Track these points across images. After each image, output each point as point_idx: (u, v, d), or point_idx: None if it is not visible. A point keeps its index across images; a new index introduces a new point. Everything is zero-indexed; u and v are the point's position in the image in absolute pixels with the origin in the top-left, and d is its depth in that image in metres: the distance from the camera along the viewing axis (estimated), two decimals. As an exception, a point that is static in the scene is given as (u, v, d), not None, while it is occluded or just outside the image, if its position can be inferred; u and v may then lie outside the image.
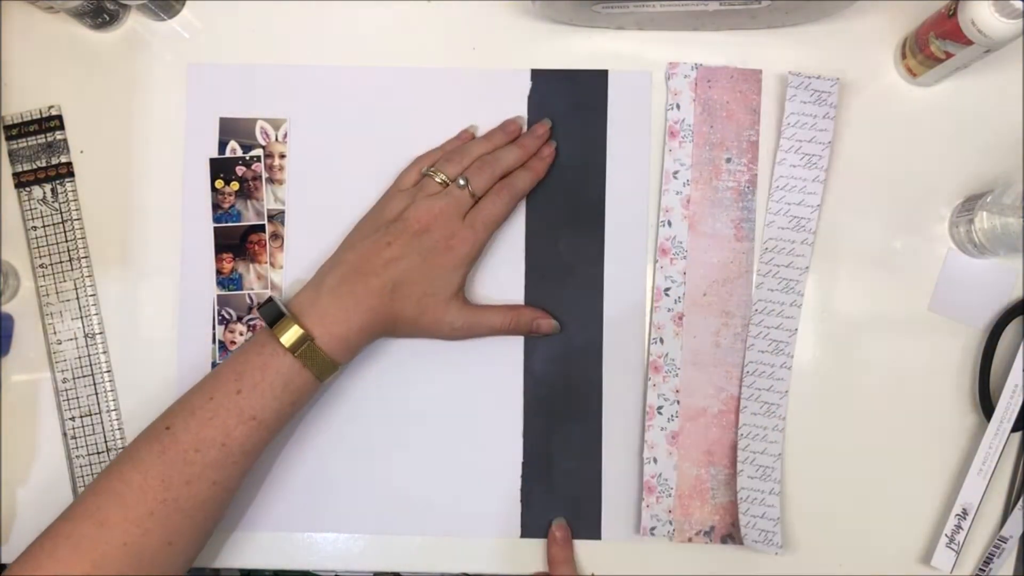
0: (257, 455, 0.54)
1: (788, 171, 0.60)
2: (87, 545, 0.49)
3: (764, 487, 0.58)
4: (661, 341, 0.60)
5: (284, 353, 0.53)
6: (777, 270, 0.60)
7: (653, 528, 0.59)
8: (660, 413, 0.59)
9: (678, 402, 0.59)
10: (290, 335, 0.53)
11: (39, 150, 0.62)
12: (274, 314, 0.54)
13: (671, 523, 0.59)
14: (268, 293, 0.61)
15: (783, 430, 0.59)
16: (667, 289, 0.60)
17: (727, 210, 0.60)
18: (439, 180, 0.57)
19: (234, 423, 0.52)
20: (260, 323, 0.58)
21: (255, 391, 0.53)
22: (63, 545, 0.49)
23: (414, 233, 0.56)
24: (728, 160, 0.60)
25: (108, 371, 0.61)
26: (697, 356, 0.60)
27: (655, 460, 0.59)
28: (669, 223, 0.60)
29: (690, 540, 0.59)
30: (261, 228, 0.62)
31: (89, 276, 0.61)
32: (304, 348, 0.53)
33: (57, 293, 0.61)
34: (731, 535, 0.59)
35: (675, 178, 0.61)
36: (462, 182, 0.57)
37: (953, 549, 0.58)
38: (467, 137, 0.61)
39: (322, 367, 0.54)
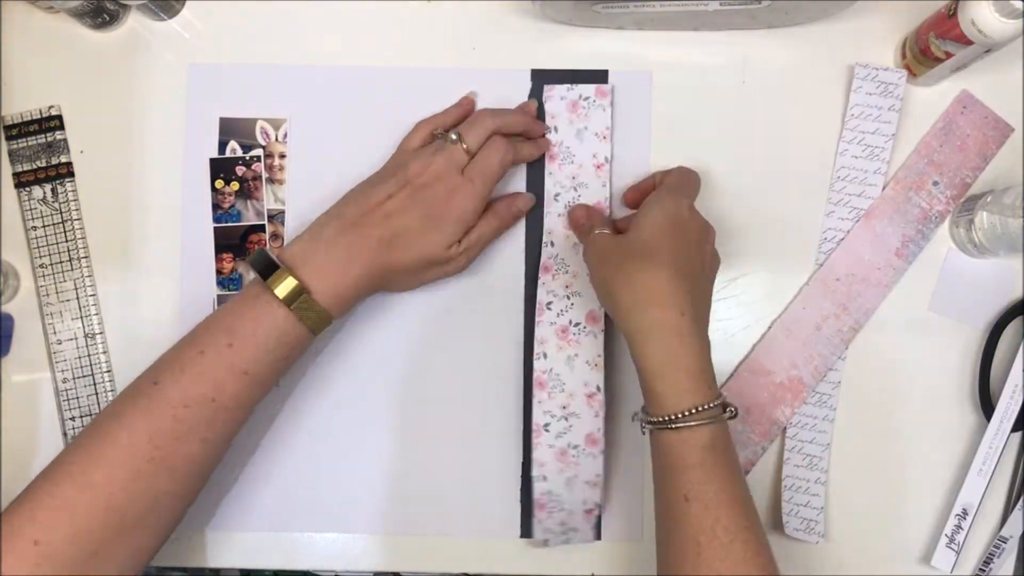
0: (248, 410, 0.53)
1: (850, 162, 0.60)
2: (71, 507, 0.47)
3: (810, 476, 0.58)
4: (545, 356, 0.58)
5: (279, 305, 0.51)
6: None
7: (547, 540, 0.58)
8: (547, 430, 0.57)
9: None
10: (284, 287, 0.51)
11: (39, 150, 0.62)
12: (265, 263, 0.52)
13: (564, 532, 0.58)
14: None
15: (833, 420, 0.59)
16: (548, 303, 0.59)
17: (906, 224, 0.60)
18: (451, 140, 0.57)
19: (225, 377, 0.51)
20: (249, 274, 0.55)
21: (247, 344, 0.51)
22: (45, 507, 0.47)
23: (416, 188, 0.55)
24: (935, 184, 0.60)
25: (108, 371, 0.61)
26: (795, 329, 0.60)
27: (544, 478, 0.57)
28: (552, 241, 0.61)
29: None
30: (261, 228, 0.62)
31: (89, 276, 0.61)
32: (299, 301, 0.51)
33: (57, 293, 0.61)
34: None
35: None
36: (454, 136, 0.57)
37: (953, 549, 0.58)
38: (467, 102, 0.61)
39: (316, 320, 0.52)
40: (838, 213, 0.60)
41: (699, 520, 0.47)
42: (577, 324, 0.58)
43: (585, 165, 0.60)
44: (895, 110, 0.60)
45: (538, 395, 0.58)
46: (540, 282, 0.59)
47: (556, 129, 0.61)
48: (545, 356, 0.58)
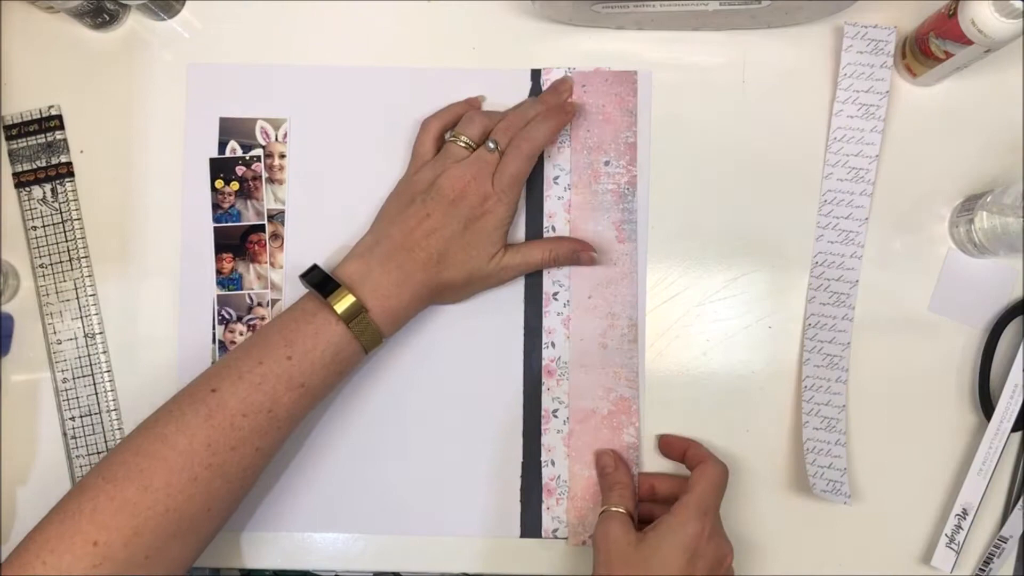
0: (299, 422, 0.54)
1: (845, 122, 0.60)
2: (131, 509, 0.48)
3: (830, 438, 0.58)
4: (553, 345, 0.60)
5: (337, 322, 0.53)
6: (837, 222, 0.60)
7: (555, 530, 0.59)
8: (556, 416, 0.60)
9: (568, 405, 0.60)
10: (343, 303, 0.53)
11: (39, 150, 0.62)
12: (322, 279, 0.54)
13: (572, 524, 0.59)
14: (268, 294, 0.61)
15: (846, 381, 0.60)
16: (555, 294, 0.60)
17: (608, 212, 0.61)
18: (462, 144, 0.57)
19: (283, 390, 0.52)
20: (304, 292, 0.56)
21: (306, 359, 0.52)
22: (105, 507, 0.48)
23: (450, 202, 0.55)
24: (607, 163, 0.61)
25: (108, 371, 0.61)
26: (584, 358, 0.60)
27: (552, 463, 0.59)
28: (553, 228, 0.61)
29: (584, 543, 0.59)
30: (261, 228, 0.62)
31: (89, 276, 0.61)
32: (358, 319, 0.53)
33: (57, 293, 0.61)
34: None
35: (555, 183, 0.61)
36: (492, 145, 0.57)
37: (953, 549, 0.58)
38: (476, 103, 0.61)
39: (371, 339, 0.54)
40: (836, 175, 0.60)
41: None
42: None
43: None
44: (887, 67, 0.60)
45: (546, 383, 0.59)
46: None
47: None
48: (553, 345, 0.60)
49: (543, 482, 0.60)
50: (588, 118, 0.61)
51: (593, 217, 0.61)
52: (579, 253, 0.59)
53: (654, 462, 0.60)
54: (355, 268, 0.55)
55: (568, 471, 0.59)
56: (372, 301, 0.54)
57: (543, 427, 0.60)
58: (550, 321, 0.60)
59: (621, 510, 0.55)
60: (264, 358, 0.52)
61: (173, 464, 0.49)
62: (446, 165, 0.57)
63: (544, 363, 0.60)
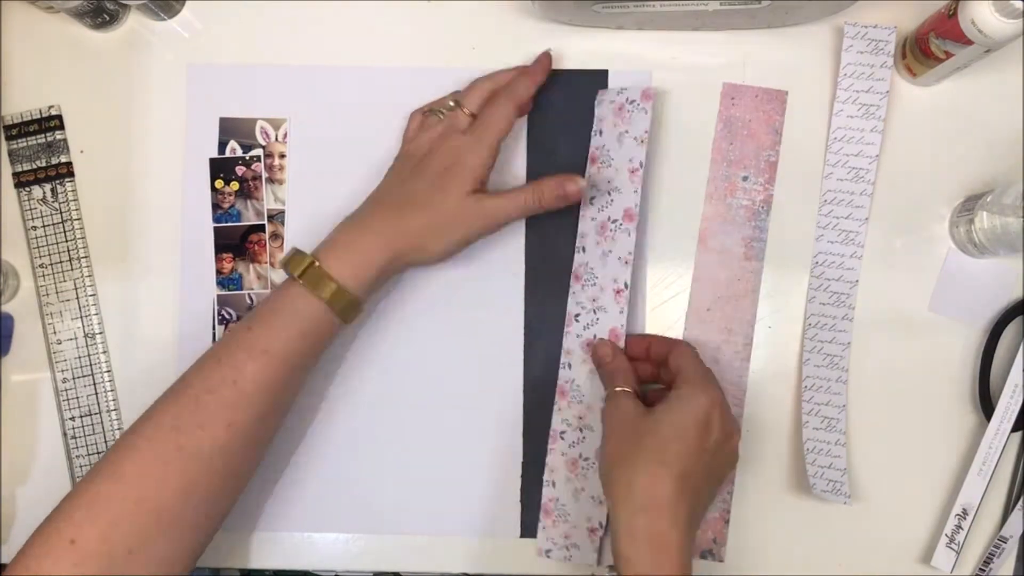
0: (274, 394, 0.52)
1: (845, 122, 0.60)
2: (103, 502, 0.47)
3: (830, 438, 0.58)
4: (569, 367, 0.59)
5: (291, 282, 0.53)
6: (837, 222, 0.60)
7: (548, 551, 0.59)
8: (563, 438, 0.59)
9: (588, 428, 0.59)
10: (296, 262, 0.53)
11: (39, 150, 0.62)
12: (291, 253, 0.54)
13: (567, 547, 0.58)
14: (268, 293, 0.61)
15: (846, 381, 0.59)
16: (577, 315, 0.59)
17: (740, 228, 0.60)
18: (436, 116, 0.58)
19: (245, 358, 0.51)
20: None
21: (264, 324, 0.52)
22: (78, 503, 0.48)
23: (418, 160, 0.56)
24: (745, 179, 0.60)
25: (108, 371, 0.61)
26: None
27: (553, 484, 0.59)
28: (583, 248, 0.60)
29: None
30: (261, 228, 0.62)
31: (89, 276, 0.61)
32: (310, 272, 0.52)
33: (57, 293, 0.61)
34: (711, 551, 0.59)
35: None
36: (452, 103, 0.58)
37: (953, 549, 0.58)
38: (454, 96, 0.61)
39: (332, 292, 0.52)
40: (836, 175, 0.60)
41: None
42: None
43: (621, 170, 0.58)
44: (887, 67, 0.60)
45: (558, 402, 0.59)
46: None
47: (601, 132, 0.60)
48: (570, 367, 0.59)
49: (542, 501, 0.59)
50: (733, 131, 0.61)
51: (723, 230, 0.60)
52: (565, 186, 0.56)
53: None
54: (326, 238, 0.55)
55: (569, 495, 0.59)
56: (328, 256, 0.53)
57: (549, 446, 0.59)
58: (570, 342, 0.59)
59: (628, 389, 0.55)
60: (228, 338, 0.53)
61: (142, 451, 0.49)
62: (417, 134, 0.58)
63: (559, 383, 0.59)
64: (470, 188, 0.55)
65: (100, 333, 0.61)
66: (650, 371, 0.58)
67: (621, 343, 0.57)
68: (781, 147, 0.61)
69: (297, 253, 0.54)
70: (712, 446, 0.51)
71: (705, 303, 0.60)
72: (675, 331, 0.61)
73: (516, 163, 0.61)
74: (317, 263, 0.53)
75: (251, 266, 0.61)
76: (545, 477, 0.59)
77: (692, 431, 0.51)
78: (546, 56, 0.60)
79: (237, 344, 0.52)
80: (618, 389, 0.55)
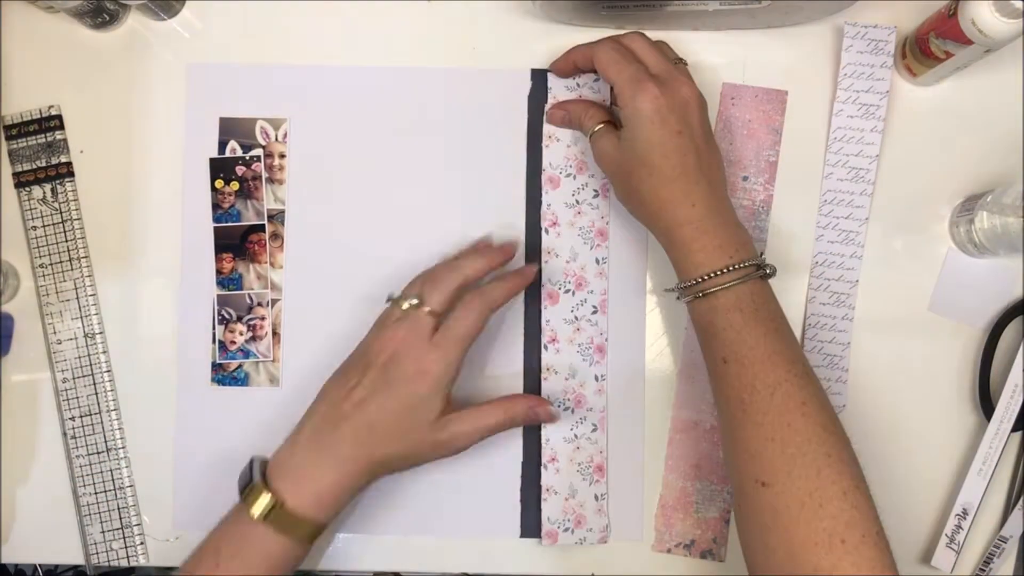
0: None
1: (845, 122, 0.60)
2: None
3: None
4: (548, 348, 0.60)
5: (257, 523, 0.50)
6: (837, 222, 0.60)
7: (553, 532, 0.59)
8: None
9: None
10: (259, 504, 0.50)
11: (39, 150, 0.62)
12: (247, 480, 0.52)
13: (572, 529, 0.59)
14: (268, 294, 0.61)
15: (846, 382, 0.59)
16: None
17: None
18: (404, 307, 0.53)
19: None
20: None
21: (232, 563, 0.50)
22: None
23: (380, 366, 0.52)
24: (745, 178, 0.60)
25: (108, 371, 0.61)
26: (691, 369, 0.60)
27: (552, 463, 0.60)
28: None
29: (669, 551, 0.59)
30: (261, 228, 0.62)
31: (89, 276, 0.61)
32: (273, 514, 0.50)
33: (57, 293, 0.61)
34: (711, 551, 0.59)
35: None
36: (415, 301, 0.53)
37: (953, 549, 0.58)
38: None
39: (300, 529, 0.50)
40: (836, 175, 0.60)
41: (739, 379, 0.49)
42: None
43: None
44: (887, 67, 0.60)
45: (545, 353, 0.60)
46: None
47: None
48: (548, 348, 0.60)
49: (542, 484, 0.60)
50: (732, 131, 0.61)
51: None
52: (535, 409, 0.55)
53: (647, 462, 0.60)
54: (281, 457, 0.52)
55: (571, 471, 0.59)
56: (290, 491, 0.50)
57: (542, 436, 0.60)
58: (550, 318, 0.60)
59: (600, 124, 0.56)
60: (196, 569, 0.51)
61: None
62: (380, 328, 0.54)
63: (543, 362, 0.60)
64: (439, 409, 0.52)
65: (100, 333, 0.61)
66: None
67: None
68: (781, 147, 0.61)
69: (255, 488, 0.51)
70: (680, 129, 0.52)
71: None
72: (678, 334, 0.61)
73: (516, 163, 0.61)
74: (283, 504, 0.50)
75: (251, 266, 0.61)
76: (543, 460, 0.59)
77: (657, 135, 0.52)
78: (531, 270, 0.57)
79: None
80: (595, 129, 0.56)
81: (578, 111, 0.59)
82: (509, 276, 0.56)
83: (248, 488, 0.51)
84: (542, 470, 0.59)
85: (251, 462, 0.53)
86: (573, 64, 0.59)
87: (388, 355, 0.52)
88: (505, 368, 0.61)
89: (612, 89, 0.55)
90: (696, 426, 0.60)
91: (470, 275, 0.55)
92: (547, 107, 0.61)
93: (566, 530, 0.59)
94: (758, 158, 0.61)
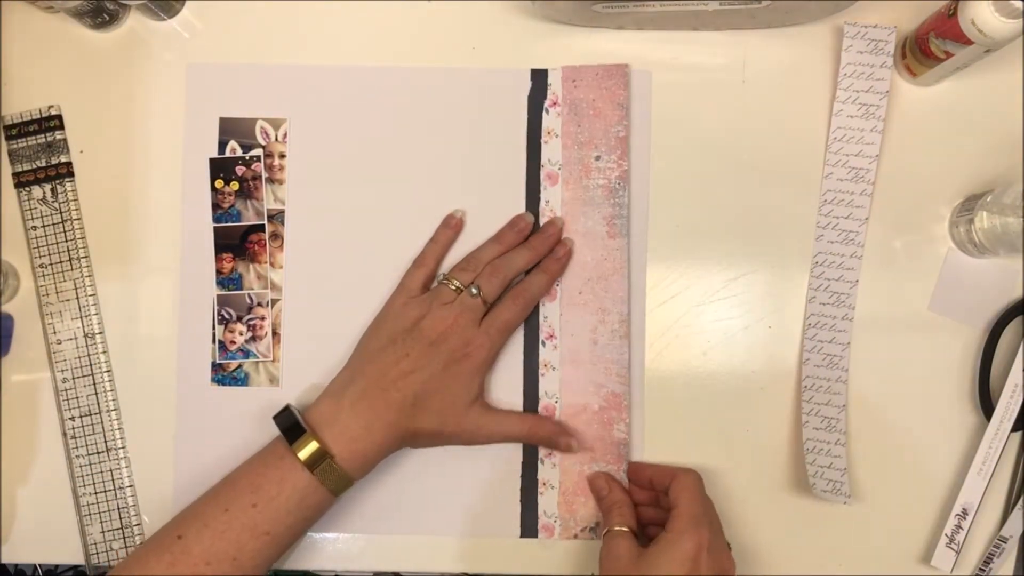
0: (267, 568, 0.53)
1: (845, 122, 0.60)
2: None
3: (830, 438, 0.58)
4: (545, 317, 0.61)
5: (302, 469, 0.52)
6: (837, 222, 0.60)
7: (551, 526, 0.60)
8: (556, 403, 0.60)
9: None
10: (307, 451, 0.52)
11: (39, 150, 0.62)
12: (290, 424, 0.54)
13: (557, 519, 0.59)
14: (268, 293, 0.61)
15: (846, 381, 0.60)
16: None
17: (599, 208, 0.60)
18: (453, 287, 0.57)
19: (247, 538, 0.51)
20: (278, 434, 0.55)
21: (270, 505, 0.52)
22: None
23: (430, 343, 0.55)
24: (597, 158, 0.61)
25: (108, 371, 0.61)
26: (575, 354, 0.60)
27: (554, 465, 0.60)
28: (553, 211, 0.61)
29: (575, 536, 0.59)
30: (261, 228, 0.62)
31: (89, 276, 0.61)
32: (323, 465, 0.52)
33: (57, 293, 0.61)
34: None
35: (547, 179, 0.61)
36: (475, 290, 0.57)
37: (953, 549, 0.58)
38: (455, 224, 0.60)
39: (338, 483, 0.53)
40: (836, 174, 0.60)
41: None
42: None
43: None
44: (887, 67, 0.60)
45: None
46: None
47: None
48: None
49: (538, 479, 0.60)
50: (579, 113, 0.61)
51: (584, 212, 0.61)
52: (559, 438, 0.58)
53: (645, 458, 0.60)
54: (325, 409, 0.55)
55: (559, 468, 0.59)
56: (339, 445, 0.53)
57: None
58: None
59: (624, 528, 0.55)
60: (230, 505, 0.52)
61: None
62: (432, 306, 0.56)
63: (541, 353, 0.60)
64: (476, 393, 0.56)
65: (100, 333, 0.61)
66: (647, 496, 0.58)
67: (622, 474, 0.59)
68: (629, 120, 0.60)
69: (307, 436, 0.53)
70: None
71: (576, 287, 0.60)
72: (673, 332, 0.61)
73: (516, 162, 0.61)
74: (332, 457, 0.53)
75: (251, 266, 0.61)
76: (540, 455, 0.60)
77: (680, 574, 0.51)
78: (565, 253, 0.59)
79: (241, 519, 0.52)
80: (615, 529, 0.55)
81: (616, 500, 0.57)
82: (548, 264, 0.59)
83: (296, 433, 0.53)
84: (539, 464, 0.60)
85: (287, 407, 0.55)
86: (649, 481, 0.58)
87: (438, 334, 0.55)
88: (502, 364, 0.61)
89: (665, 496, 0.55)
90: (585, 409, 0.60)
91: (521, 268, 0.59)
92: (591, 473, 0.59)
93: (562, 525, 0.59)
94: (607, 135, 0.61)
